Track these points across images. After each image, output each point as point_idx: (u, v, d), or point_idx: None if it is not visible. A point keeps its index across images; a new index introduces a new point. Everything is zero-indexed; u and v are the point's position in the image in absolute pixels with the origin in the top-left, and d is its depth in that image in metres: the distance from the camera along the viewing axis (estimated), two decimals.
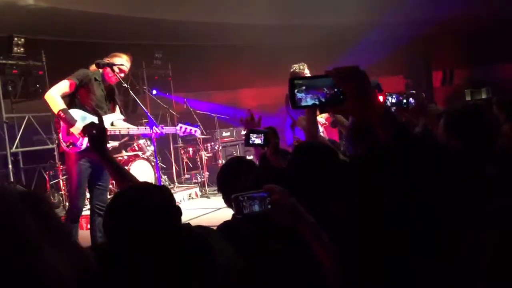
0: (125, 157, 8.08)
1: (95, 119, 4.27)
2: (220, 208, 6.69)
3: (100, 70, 4.42)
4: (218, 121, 9.76)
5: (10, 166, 7.32)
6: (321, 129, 6.05)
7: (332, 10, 10.06)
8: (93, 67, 4.47)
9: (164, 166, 9.48)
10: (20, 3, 7.65)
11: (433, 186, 1.24)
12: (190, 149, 9.65)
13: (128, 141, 8.63)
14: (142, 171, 7.89)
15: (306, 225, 1.40)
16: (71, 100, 4.34)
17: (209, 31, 10.22)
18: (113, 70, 4.25)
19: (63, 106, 4.21)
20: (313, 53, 9.76)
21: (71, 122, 4.17)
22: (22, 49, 7.68)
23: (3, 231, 0.48)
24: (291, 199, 1.42)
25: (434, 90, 12.31)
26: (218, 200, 7.39)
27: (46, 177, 7.69)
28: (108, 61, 4.32)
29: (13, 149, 7.63)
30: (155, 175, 7.76)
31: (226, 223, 2.02)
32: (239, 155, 9.70)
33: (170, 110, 9.28)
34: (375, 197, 1.29)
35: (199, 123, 9.08)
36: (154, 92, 9.96)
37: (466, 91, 11.73)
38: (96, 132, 2.23)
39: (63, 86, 4.25)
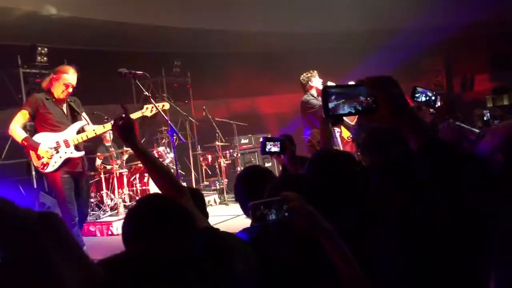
0: None
1: (57, 137, 4.55)
2: (239, 215, 6.70)
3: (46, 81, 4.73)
4: (237, 128, 9.80)
5: (33, 173, 7.46)
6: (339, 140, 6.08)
7: (351, 17, 10.05)
8: (44, 83, 4.72)
9: (183, 173, 9.54)
10: (43, 12, 7.82)
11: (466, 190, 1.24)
12: (209, 156, 9.70)
13: (148, 148, 8.73)
14: None
15: (323, 232, 1.41)
16: (34, 126, 4.70)
17: (227, 40, 10.30)
18: (134, 79, 4.31)
19: (24, 135, 4.58)
20: (331, 60, 9.76)
21: (35, 146, 4.52)
22: (45, 58, 7.82)
23: (21, 250, 0.50)
24: (308, 206, 1.43)
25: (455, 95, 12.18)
26: (236, 207, 7.39)
27: None
28: (128, 70, 4.36)
29: None
30: None
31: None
32: (257, 162, 9.71)
33: (189, 117, 9.36)
34: (414, 201, 1.29)
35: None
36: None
37: (488, 97, 11.55)
38: (123, 123, 2.20)
39: (18, 117, 4.61)
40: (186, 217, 1.58)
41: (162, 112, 4.65)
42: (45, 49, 7.84)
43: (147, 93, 4.58)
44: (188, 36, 9.83)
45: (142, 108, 4.80)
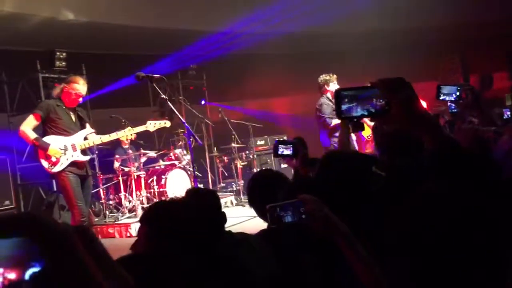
0: (162, 166, 8.24)
1: (66, 140, 4.81)
2: (255, 217, 6.69)
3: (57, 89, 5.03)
4: (253, 130, 9.82)
5: None
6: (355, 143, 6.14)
7: (365, 17, 10.00)
8: (56, 91, 5.00)
9: (200, 175, 9.60)
10: (61, 18, 7.93)
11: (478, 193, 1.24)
12: (225, 158, 9.74)
13: (165, 151, 8.81)
14: (179, 180, 8.02)
15: (340, 235, 1.42)
16: (43, 129, 4.93)
17: (242, 41, 10.33)
18: (151, 82, 4.48)
19: (34, 135, 4.82)
20: (347, 61, 9.73)
21: (45, 147, 4.78)
22: (63, 63, 7.93)
23: (61, 261, 0.52)
24: (325, 208, 1.44)
25: None
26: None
27: None
28: (146, 74, 4.50)
29: None
30: (191, 184, 7.88)
31: (262, 232, 2.05)
32: (273, 163, 9.72)
33: (205, 119, 9.41)
34: (427, 203, 1.29)
35: (233, 132, 9.19)
36: (203, 102, 10.21)
37: (507, 95, 11.38)
38: None
39: (30, 119, 4.85)
40: (215, 222, 1.61)
41: (178, 114, 4.73)
42: (64, 54, 7.95)
43: (164, 96, 4.67)
44: (203, 38, 9.88)
45: (158, 112, 4.95)
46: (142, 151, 8.01)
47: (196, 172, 8.89)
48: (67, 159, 4.83)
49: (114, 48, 9.47)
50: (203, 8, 9.13)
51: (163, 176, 7.91)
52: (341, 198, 1.59)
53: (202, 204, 1.67)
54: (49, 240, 0.52)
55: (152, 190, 7.91)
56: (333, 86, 6.08)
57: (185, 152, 8.54)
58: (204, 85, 10.60)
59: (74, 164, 4.87)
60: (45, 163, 4.84)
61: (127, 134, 5.16)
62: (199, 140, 4.99)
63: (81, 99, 4.98)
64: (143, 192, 7.76)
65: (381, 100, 1.25)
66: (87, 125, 5.13)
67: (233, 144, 9.37)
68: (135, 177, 7.70)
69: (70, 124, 4.97)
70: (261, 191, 2.42)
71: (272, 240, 1.77)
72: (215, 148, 10.05)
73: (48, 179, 7.74)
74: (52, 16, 7.84)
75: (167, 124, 5.36)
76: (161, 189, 7.88)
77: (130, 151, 7.95)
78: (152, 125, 5.28)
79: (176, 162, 8.39)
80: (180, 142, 8.93)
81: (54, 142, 4.82)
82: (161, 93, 4.67)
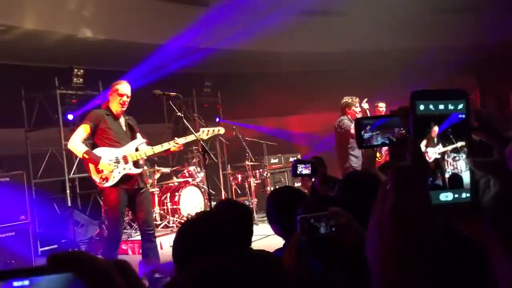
0: (176, 183, 8.24)
1: (117, 152, 4.55)
2: (269, 235, 6.66)
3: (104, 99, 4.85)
4: (267, 148, 9.81)
5: (68, 191, 7.63)
6: None
7: (382, 37, 10.02)
8: (103, 105, 4.81)
9: (213, 193, 9.58)
10: (79, 35, 8.08)
11: None
12: (239, 175, 9.71)
13: (179, 167, 8.83)
14: (192, 197, 8.01)
15: None
16: (93, 141, 4.68)
17: (256, 60, 10.40)
18: (167, 100, 4.43)
19: (85, 148, 4.59)
20: (362, 79, 9.72)
21: (96, 160, 4.49)
22: (81, 79, 8.03)
23: None
24: (355, 223, 1.42)
25: None
26: (266, 227, 7.35)
27: (101, 202, 7.94)
28: (162, 92, 4.50)
29: (71, 175, 7.96)
30: (205, 201, 7.87)
31: (281, 251, 2.02)
32: (287, 182, 9.67)
33: (220, 137, 9.43)
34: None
35: (247, 150, 9.19)
36: (217, 119, 10.22)
37: None
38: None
39: (80, 131, 4.60)
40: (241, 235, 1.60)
41: (194, 132, 4.72)
42: (81, 70, 8.07)
43: (179, 114, 4.66)
44: (218, 57, 9.98)
45: (172, 129, 4.89)
46: (156, 167, 8.03)
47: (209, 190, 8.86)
48: (119, 172, 4.53)
49: (130, 65, 9.60)
50: (218, 27, 9.23)
51: (176, 193, 7.91)
52: (363, 217, 1.56)
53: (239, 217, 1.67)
54: (93, 276, 0.56)
55: (165, 207, 7.90)
56: (355, 109, 6.22)
57: (198, 169, 8.54)
58: (219, 102, 10.66)
59: (125, 178, 4.56)
60: (96, 178, 4.54)
61: (179, 143, 4.77)
62: (213, 157, 4.94)
63: (125, 98, 4.65)
64: (156, 209, 7.76)
65: (401, 129, 1.24)
66: (138, 135, 4.83)
67: (247, 162, 9.36)
68: None
69: (121, 134, 4.69)
70: (281, 207, 2.40)
71: (301, 254, 1.74)
72: (228, 166, 10.05)
73: (63, 194, 7.81)
74: (71, 33, 7.99)
75: (221, 131, 5.03)
76: (174, 206, 7.87)
77: (145, 167, 7.96)
78: (205, 133, 4.87)
79: (190, 179, 8.39)
80: (194, 159, 8.95)
81: (105, 155, 4.52)
82: (177, 111, 4.65)
